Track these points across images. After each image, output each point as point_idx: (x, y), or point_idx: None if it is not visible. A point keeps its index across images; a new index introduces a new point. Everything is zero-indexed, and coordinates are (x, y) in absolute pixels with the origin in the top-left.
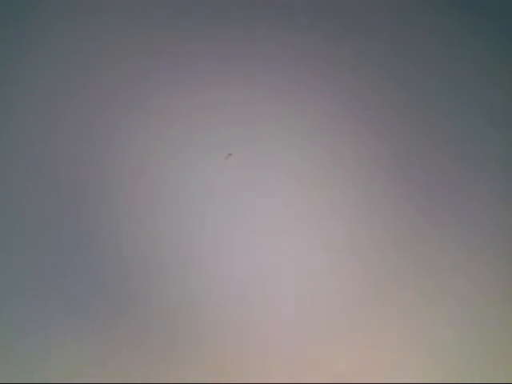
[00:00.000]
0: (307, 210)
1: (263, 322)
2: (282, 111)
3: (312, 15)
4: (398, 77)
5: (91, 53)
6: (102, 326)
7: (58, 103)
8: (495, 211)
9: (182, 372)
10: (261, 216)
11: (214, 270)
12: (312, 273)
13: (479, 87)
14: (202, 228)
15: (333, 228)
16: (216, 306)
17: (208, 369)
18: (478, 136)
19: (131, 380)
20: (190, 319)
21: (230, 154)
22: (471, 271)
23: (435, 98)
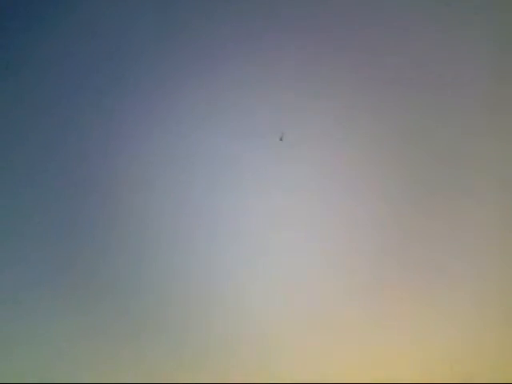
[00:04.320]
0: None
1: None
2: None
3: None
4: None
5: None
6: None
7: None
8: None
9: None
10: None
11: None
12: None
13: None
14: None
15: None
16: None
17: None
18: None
19: (132, 377)
20: (195, 318)
21: (282, 134)
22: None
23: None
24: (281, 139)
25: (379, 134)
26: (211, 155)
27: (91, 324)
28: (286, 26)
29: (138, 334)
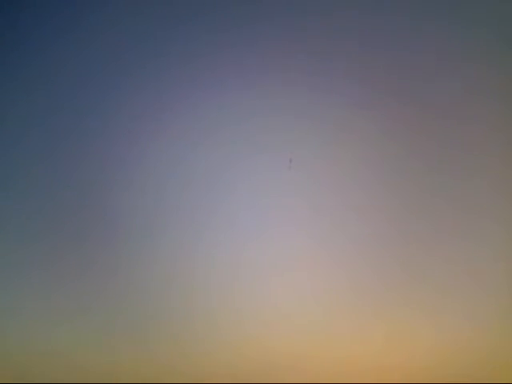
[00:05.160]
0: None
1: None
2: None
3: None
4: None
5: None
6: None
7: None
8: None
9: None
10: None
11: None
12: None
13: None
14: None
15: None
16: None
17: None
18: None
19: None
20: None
21: (291, 160)
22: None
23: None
24: (290, 163)
25: (379, 159)
26: (219, 170)
27: (93, 322)
28: (295, 61)
29: (136, 329)
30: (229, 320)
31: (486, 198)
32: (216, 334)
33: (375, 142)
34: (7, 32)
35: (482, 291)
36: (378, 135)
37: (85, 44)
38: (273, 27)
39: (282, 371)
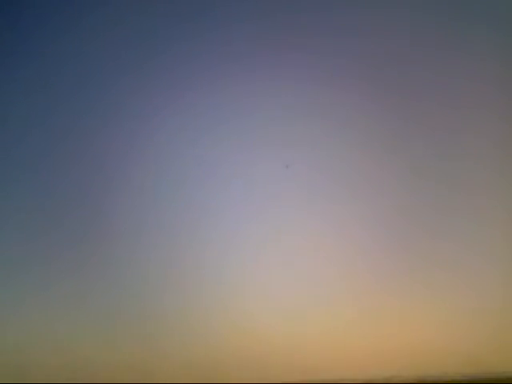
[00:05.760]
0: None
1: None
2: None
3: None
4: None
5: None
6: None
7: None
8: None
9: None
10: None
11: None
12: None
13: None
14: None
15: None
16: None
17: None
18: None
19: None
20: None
21: (287, 166)
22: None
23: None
24: (287, 167)
25: (382, 151)
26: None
27: (90, 319)
28: (295, 59)
29: (133, 322)
30: (224, 314)
31: (485, 180)
32: (212, 327)
33: (377, 134)
34: (7, 32)
35: (486, 266)
36: (379, 129)
37: (85, 44)
38: (272, 25)
39: (285, 367)
